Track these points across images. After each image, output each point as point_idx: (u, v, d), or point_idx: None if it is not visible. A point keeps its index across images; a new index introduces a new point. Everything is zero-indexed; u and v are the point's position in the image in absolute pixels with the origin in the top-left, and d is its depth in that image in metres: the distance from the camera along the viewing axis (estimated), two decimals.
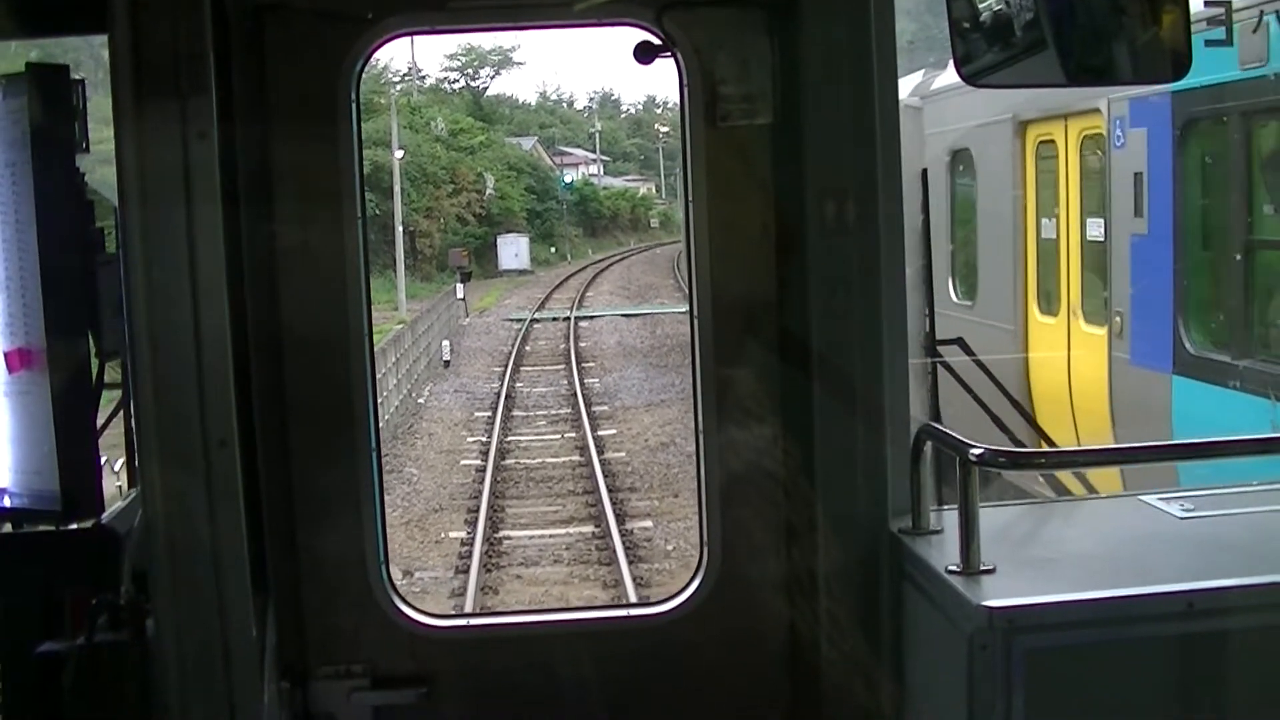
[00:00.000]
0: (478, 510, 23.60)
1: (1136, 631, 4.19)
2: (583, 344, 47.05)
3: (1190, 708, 4.24)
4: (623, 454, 28.47)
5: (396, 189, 62.88)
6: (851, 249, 4.94)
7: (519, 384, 39.11)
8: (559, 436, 30.82)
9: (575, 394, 35.93)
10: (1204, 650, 4.22)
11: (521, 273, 79.64)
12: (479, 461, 28.31)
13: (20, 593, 4.19)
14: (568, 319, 53.72)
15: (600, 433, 30.47)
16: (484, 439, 30.62)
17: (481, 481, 25.92)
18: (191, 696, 3.99)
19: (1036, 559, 4.82)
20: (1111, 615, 4.22)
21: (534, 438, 30.70)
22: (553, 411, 34.58)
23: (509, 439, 30.48)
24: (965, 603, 4.23)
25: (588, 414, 32.66)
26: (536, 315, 56.34)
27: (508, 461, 28.20)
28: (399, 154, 65.67)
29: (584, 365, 41.68)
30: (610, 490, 24.57)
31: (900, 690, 4.84)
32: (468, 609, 17.96)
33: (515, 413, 34.47)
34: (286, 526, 5.23)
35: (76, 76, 4.20)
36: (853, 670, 5.03)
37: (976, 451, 4.46)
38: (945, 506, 4.91)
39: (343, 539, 5.31)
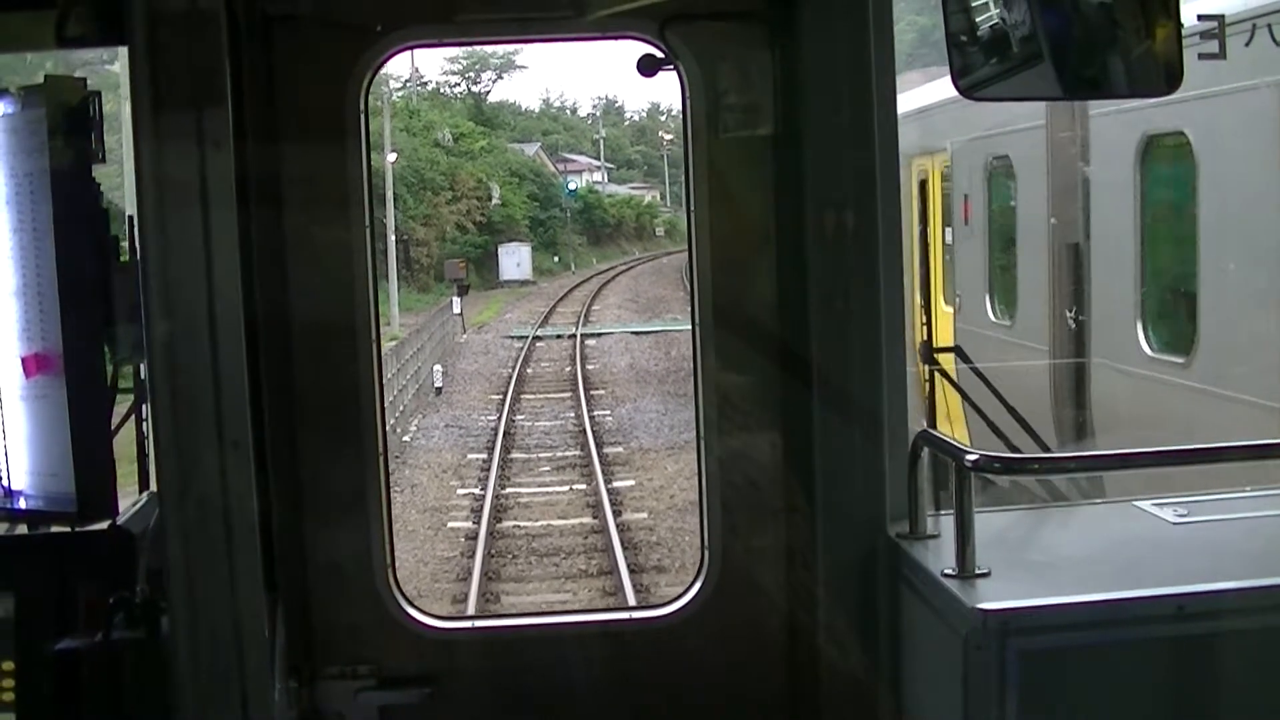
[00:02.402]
0: (465, 600, 19.01)
1: (1128, 634, 4.26)
2: (590, 366, 42.42)
3: (1181, 708, 4.32)
4: (644, 515, 23.58)
5: (389, 195, 60.66)
6: (851, 258, 5.02)
7: (519, 416, 34.31)
8: (566, 489, 25.81)
9: (584, 430, 31.17)
10: (1195, 652, 4.30)
11: (523, 283, 76.10)
12: (470, 524, 23.36)
13: (37, 593, 4.29)
14: (573, 336, 49.30)
15: (616, 484, 25.57)
16: (477, 491, 25.80)
17: (472, 554, 21.24)
18: (206, 695, 4.07)
19: (1031, 563, 4.90)
20: (1104, 617, 4.30)
21: (537, 490, 25.88)
22: (558, 454, 29.36)
23: (506, 491, 25.74)
24: (960, 605, 4.31)
25: (600, 459, 27.66)
26: (539, 332, 52.09)
27: (504, 524, 23.39)
28: (391, 157, 63.63)
29: (593, 393, 37.13)
30: (633, 570, 19.90)
31: (897, 691, 4.92)
32: None
33: (514, 455, 29.48)
34: (294, 527, 5.32)
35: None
36: (851, 672, 5.11)
37: (972, 457, 4.55)
38: (942, 511, 4.99)
39: (350, 540, 5.40)
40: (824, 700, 5.27)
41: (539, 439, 31.36)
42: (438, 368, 40.94)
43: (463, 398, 38.27)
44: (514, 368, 42.71)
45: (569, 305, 63.47)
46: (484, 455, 29.28)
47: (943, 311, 17.19)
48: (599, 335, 50.40)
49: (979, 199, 16.39)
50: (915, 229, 17.24)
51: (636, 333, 50.31)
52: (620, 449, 29.44)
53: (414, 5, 5.37)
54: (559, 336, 50.66)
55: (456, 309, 55.07)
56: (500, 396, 37.28)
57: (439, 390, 38.86)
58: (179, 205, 4.00)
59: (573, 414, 34.19)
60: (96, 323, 4.28)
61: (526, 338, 50.06)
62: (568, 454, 29.34)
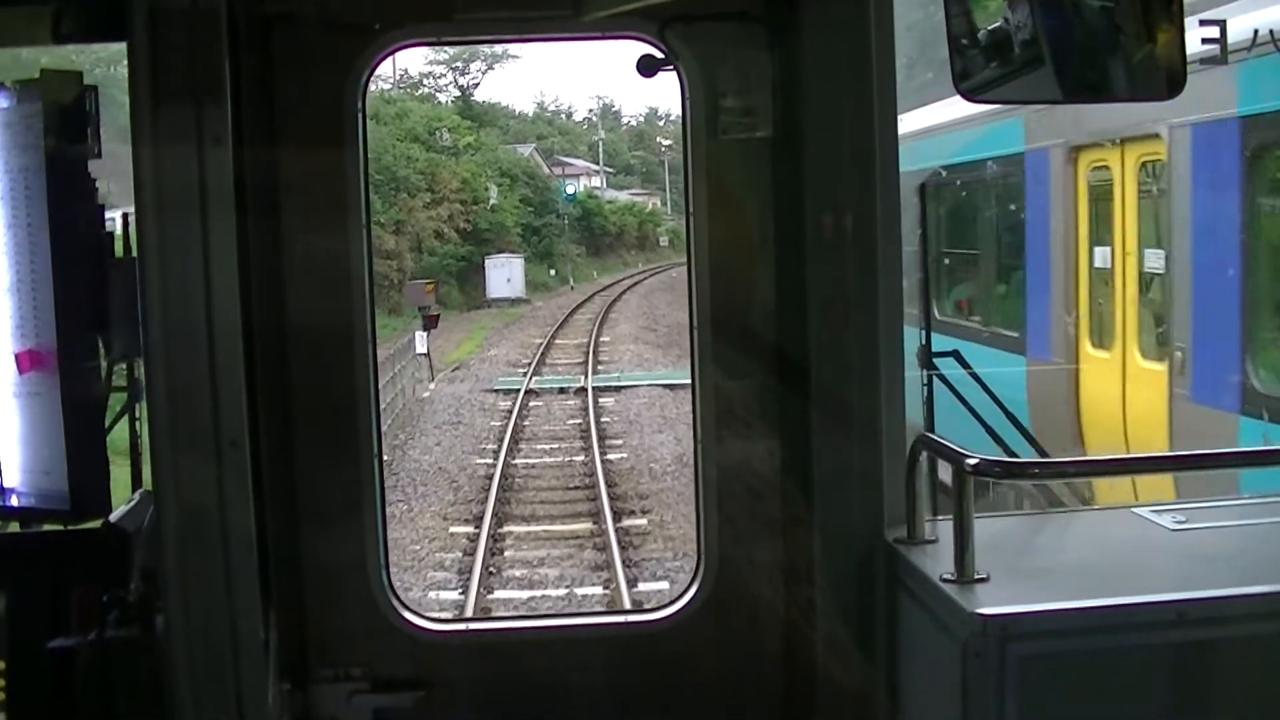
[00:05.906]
0: None
1: (1128, 640, 4.24)
2: (614, 455, 26.27)
3: (1180, 714, 4.30)
4: None
5: None
6: (849, 262, 5.00)
7: (500, 595, 18.68)
8: None
9: None
10: (1194, 658, 4.28)
11: (515, 302, 64.26)
12: None
13: (29, 591, 4.26)
14: (582, 390, 35.30)
15: None
16: None
17: None
18: (202, 695, 4.05)
19: (1030, 568, 4.88)
20: (1103, 623, 4.28)
21: None
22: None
23: None
24: (959, 610, 4.29)
25: None
26: (535, 383, 37.56)
27: None
28: None
29: (629, 523, 21.32)
30: None
31: (895, 697, 4.89)
32: None
33: None
34: (289, 529, 5.29)
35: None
36: (848, 677, 5.08)
37: (972, 461, 4.52)
38: (940, 517, 4.97)
39: (344, 542, 5.38)
40: (821, 705, 5.25)
41: None
42: None
43: (407, 532, 21.70)
44: (496, 455, 27.13)
45: (571, 334, 49.04)
46: None
47: None
48: (619, 388, 36.09)
49: None
50: None
51: (671, 386, 34.75)
52: None
53: (413, 3, 5.36)
54: (562, 390, 36.52)
55: (421, 348, 41.11)
56: (471, 530, 21.60)
57: None
58: (178, 201, 3.99)
59: (600, 585, 18.71)
60: (91, 319, 4.26)
61: (517, 391, 35.70)
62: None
